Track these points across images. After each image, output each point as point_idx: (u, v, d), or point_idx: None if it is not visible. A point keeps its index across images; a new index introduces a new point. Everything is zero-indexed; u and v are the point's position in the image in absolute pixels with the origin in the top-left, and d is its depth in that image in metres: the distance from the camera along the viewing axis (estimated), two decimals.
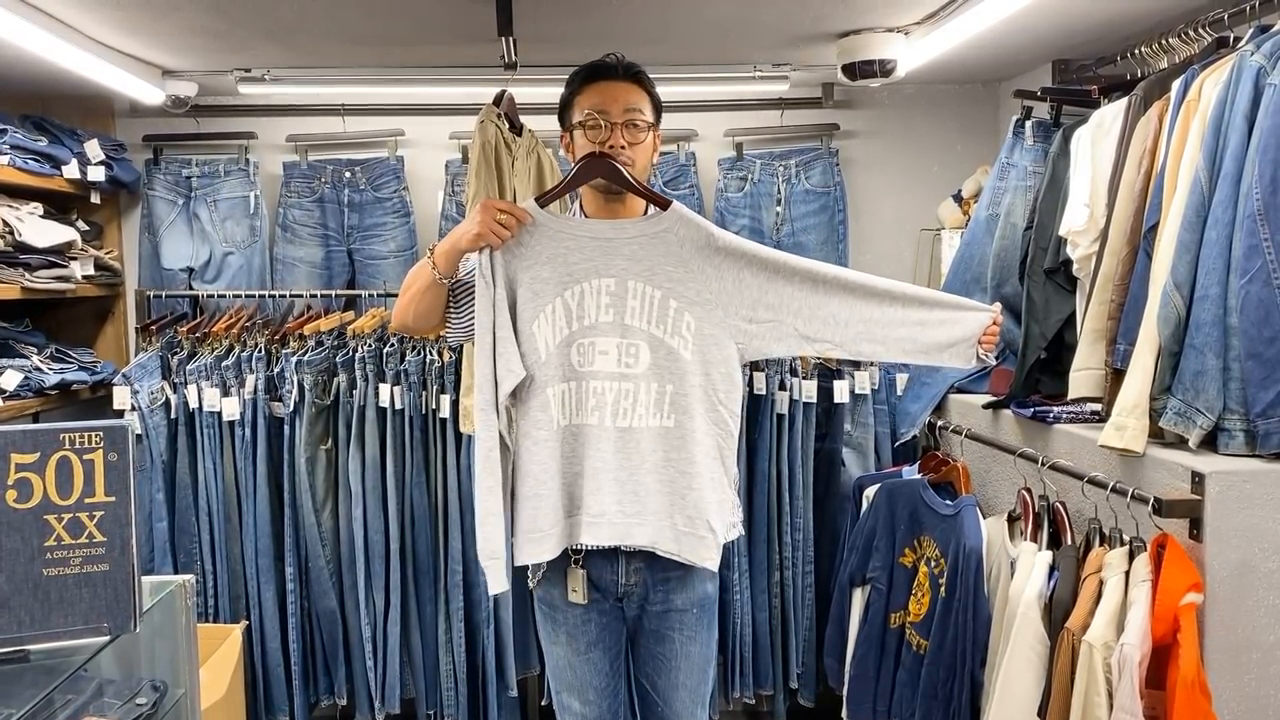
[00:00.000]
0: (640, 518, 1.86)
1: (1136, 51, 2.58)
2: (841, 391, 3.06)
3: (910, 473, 2.75)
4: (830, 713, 2.99)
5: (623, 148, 1.88)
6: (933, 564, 2.43)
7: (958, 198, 3.51)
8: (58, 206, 3.34)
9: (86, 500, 1.39)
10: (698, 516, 1.87)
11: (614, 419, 1.86)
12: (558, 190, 1.93)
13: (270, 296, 3.42)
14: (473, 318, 1.90)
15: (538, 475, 1.88)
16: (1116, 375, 2.14)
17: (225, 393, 3.04)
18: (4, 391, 2.91)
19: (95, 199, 3.43)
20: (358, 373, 3.01)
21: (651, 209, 1.92)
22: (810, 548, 3.11)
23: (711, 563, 1.89)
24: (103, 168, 3.31)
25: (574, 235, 1.88)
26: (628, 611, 1.98)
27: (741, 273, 1.88)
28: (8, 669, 1.37)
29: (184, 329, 3.19)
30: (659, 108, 1.97)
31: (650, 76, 1.96)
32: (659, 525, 1.86)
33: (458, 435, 3.01)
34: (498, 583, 1.89)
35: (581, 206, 1.99)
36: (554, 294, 1.87)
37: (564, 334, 1.87)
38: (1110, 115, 2.37)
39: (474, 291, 1.89)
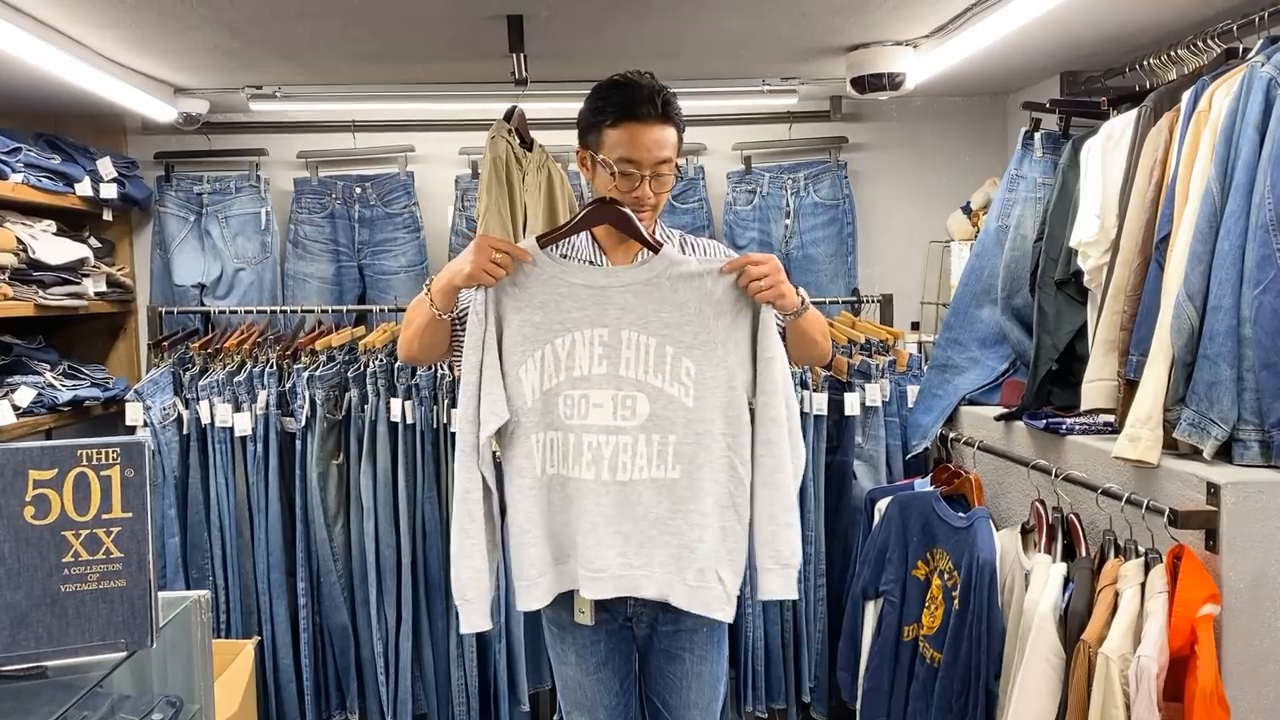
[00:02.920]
0: (648, 569, 1.82)
1: (1145, 63, 2.58)
2: (852, 404, 3.05)
3: (922, 485, 2.74)
4: None
5: (649, 197, 1.85)
6: (946, 576, 2.42)
7: (966, 209, 3.51)
8: (70, 224, 3.36)
9: (104, 516, 1.39)
10: (708, 569, 1.82)
11: (612, 473, 1.81)
12: (561, 232, 1.89)
13: (281, 312, 3.43)
14: None
15: (521, 524, 1.85)
16: (1129, 386, 2.13)
17: (237, 408, 3.05)
18: (18, 408, 2.93)
19: (107, 216, 3.46)
20: (369, 388, 3.02)
21: (643, 254, 1.87)
22: (822, 561, 3.10)
23: (724, 614, 1.84)
24: (115, 185, 3.34)
25: (568, 283, 1.83)
26: (637, 631, 1.97)
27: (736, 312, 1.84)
28: (26, 685, 1.36)
29: (196, 345, 3.20)
30: (682, 133, 1.90)
31: (676, 98, 1.87)
32: (668, 579, 1.82)
33: None
34: (468, 622, 1.87)
35: (593, 234, 1.95)
36: (543, 340, 1.82)
37: (552, 383, 1.82)
38: (1120, 126, 2.37)
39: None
